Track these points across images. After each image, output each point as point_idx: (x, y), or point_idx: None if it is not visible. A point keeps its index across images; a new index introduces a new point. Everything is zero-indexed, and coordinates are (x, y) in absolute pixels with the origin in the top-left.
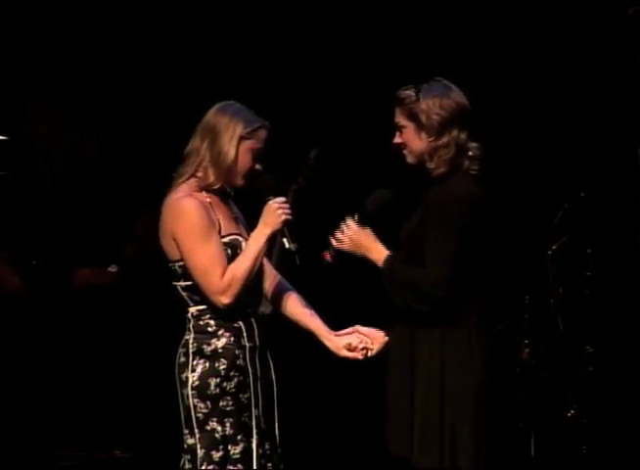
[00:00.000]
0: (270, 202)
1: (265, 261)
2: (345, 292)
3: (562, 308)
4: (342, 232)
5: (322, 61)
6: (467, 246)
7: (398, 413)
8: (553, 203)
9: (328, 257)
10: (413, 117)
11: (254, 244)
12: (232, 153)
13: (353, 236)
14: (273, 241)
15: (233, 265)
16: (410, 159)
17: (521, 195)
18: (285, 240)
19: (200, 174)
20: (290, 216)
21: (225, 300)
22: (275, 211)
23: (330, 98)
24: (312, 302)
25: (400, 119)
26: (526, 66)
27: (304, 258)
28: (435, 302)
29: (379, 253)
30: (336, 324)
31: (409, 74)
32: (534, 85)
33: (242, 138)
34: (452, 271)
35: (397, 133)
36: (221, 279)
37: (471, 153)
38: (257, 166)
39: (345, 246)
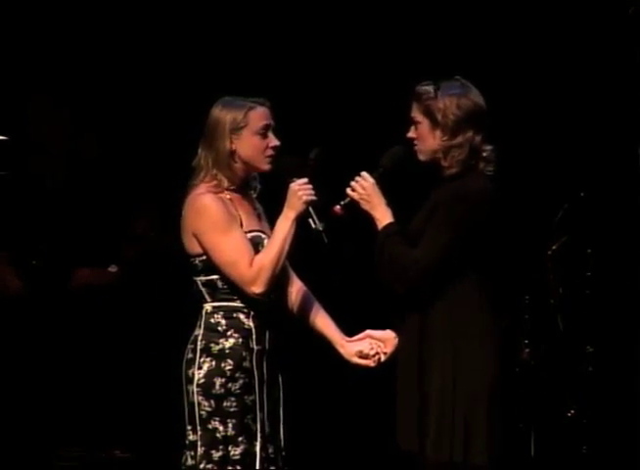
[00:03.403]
0: (292, 184)
1: (290, 270)
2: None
3: (562, 308)
4: (357, 181)
5: (323, 60)
6: (463, 244)
7: (408, 408)
8: (553, 203)
9: (338, 209)
10: (429, 113)
11: (280, 229)
12: (228, 150)
13: (366, 186)
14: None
15: (261, 254)
16: (422, 156)
17: (521, 195)
18: (310, 221)
19: (214, 182)
20: (313, 197)
21: (257, 289)
22: (297, 193)
23: (331, 97)
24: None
25: (416, 115)
26: (526, 66)
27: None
28: (409, 284)
29: (383, 214)
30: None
31: (409, 74)
32: (534, 85)
33: (234, 130)
34: (436, 262)
35: (412, 128)
36: (249, 269)
37: (485, 154)
38: (275, 143)
39: (356, 195)
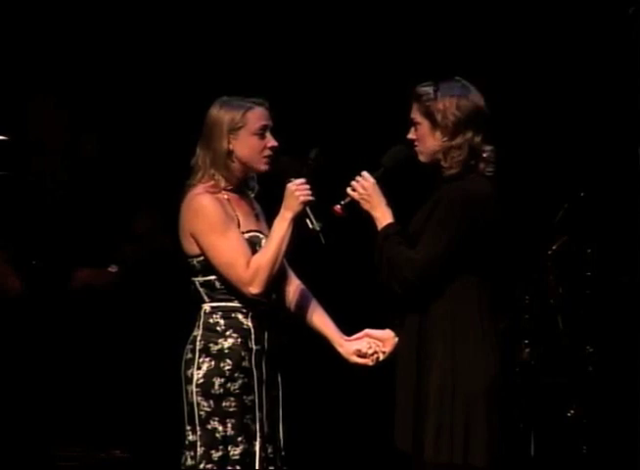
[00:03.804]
0: (289, 184)
1: (288, 268)
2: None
3: (562, 308)
4: (357, 180)
5: (322, 60)
6: (462, 244)
7: (407, 409)
8: (553, 203)
9: (338, 209)
10: (429, 114)
11: (278, 229)
12: (226, 150)
13: (366, 185)
14: (299, 225)
15: (258, 254)
16: (422, 157)
17: (521, 195)
18: (308, 221)
19: (212, 182)
20: (310, 197)
21: (254, 290)
22: (294, 194)
23: (331, 97)
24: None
25: (416, 116)
26: (526, 66)
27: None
28: (406, 283)
29: (383, 214)
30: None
31: (409, 74)
32: (534, 85)
33: (231, 131)
34: (433, 264)
35: (412, 129)
36: (246, 270)
37: (485, 155)
38: (272, 144)
39: (356, 195)
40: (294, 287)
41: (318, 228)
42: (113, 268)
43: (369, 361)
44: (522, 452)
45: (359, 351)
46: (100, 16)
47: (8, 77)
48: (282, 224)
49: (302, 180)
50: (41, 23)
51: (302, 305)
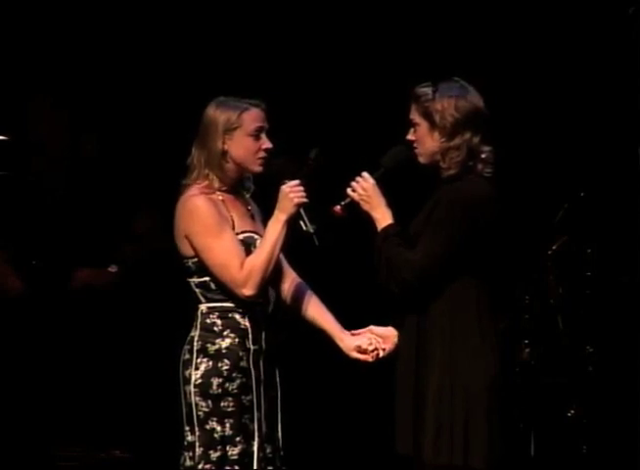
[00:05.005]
0: (283, 186)
1: (284, 263)
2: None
3: (562, 308)
4: (357, 181)
5: (322, 61)
6: (460, 245)
7: (406, 411)
8: (553, 203)
9: (338, 209)
10: (427, 115)
11: (271, 231)
12: (220, 150)
13: (366, 186)
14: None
15: (252, 256)
16: (421, 159)
17: (521, 195)
18: (302, 223)
19: (206, 182)
20: (304, 199)
21: (247, 291)
22: (288, 196)
23: (330, 98)
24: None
25: (415, 117)
26: (526, 65)
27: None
28: (405, 286)
29: (383, 215)
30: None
31: (409, 74)
32: (534, 85)
33: (227, 131)
34: (432, 265)
35: (411, 130)
36: (240, 271)
37: (483, 156)
38: (267, 145)
39: (356, 195)
40: (290, 281)
41: (312, 230)
42: (113, 268)
43: (369, 358)
44: (522, 452)
45: (359, 347)
46: (99, 16)
47: (8, 77)
48: (276, 226)
49: (296, 182)
50: (41, 24)
51: (300, 299)
